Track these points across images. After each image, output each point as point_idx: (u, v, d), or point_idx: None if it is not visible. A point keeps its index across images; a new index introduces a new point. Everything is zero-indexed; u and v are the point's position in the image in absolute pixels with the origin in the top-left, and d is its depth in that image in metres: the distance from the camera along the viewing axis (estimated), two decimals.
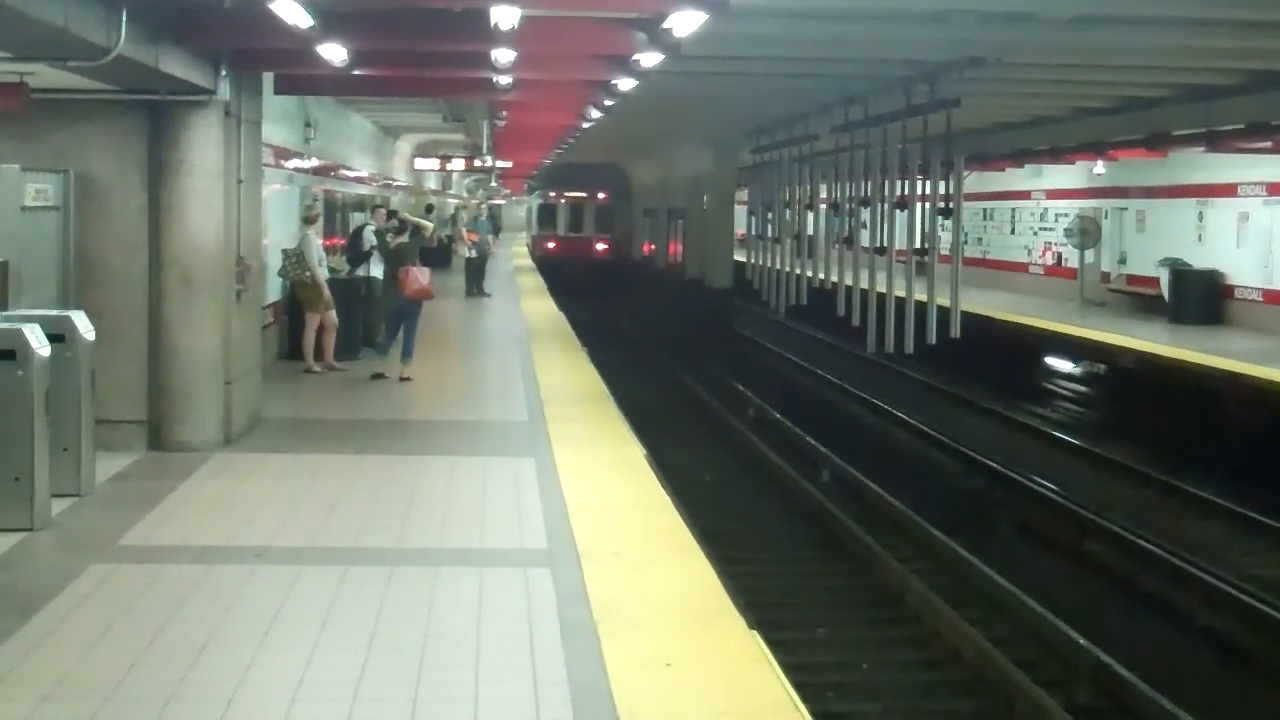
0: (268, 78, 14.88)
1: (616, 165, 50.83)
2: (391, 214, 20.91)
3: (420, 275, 17.21)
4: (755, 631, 7.38)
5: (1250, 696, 10.62)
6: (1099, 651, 10.57)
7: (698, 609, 7.80)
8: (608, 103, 19.18)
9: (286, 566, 8.57)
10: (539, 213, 53.73)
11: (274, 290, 17.89)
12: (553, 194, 51.51)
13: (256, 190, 14.01)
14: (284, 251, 17.74)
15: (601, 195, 50.85)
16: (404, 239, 17.96)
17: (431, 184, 47.49)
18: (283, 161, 18.95)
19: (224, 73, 12.23)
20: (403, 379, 16.92)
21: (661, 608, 7.80)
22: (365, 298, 19.74)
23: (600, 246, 50.47)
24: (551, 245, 50.65)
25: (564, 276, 43.30)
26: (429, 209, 39.09)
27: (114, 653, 6.95)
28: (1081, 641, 10.83)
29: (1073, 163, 26.92)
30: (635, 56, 13.29)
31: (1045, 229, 32.13)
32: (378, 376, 16.91)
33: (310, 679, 6.61)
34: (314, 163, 21.67)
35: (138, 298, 12.32)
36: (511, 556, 8.97)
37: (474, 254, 32.71)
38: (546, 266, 45.60)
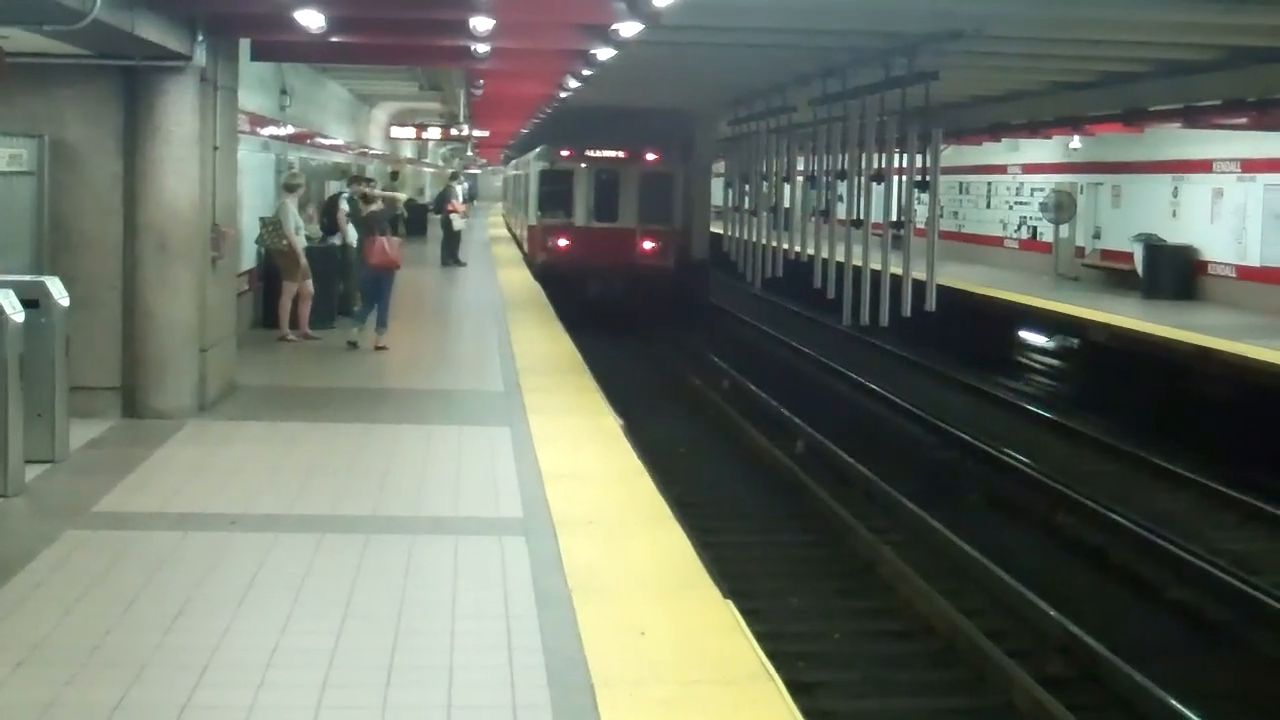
0: (244, 44, 14.80)
1: (679, 110, 31.46)
2: (367, 181, 20.86)
3: (388, 245, 17.17)
4: (729, 601, 7.42)
5: (1218, 668, 10.72)
6: (1069, 623, 10.66)
7: (672, 578, 7.84)
8: (586, 73, 19.12)
9: (262, 534, 8.57)
10: (540, 185, 31.20)
11: (249, 258, 17.83)
12: (567, 152, 30.44)
13: (232, 157, 13.96)
14: (261, 219, 17.68)
15: (652, 156, 30.31)
16: (375, 207, 17.92)
17: (408, 152, 47.32)
18: (259, 129, 18.88)
19: (200, 39, 12.17)
20: (378, 348, 16.91)
21: (636, 576, 7.83)
22: (341, 266, 19.71)
23: (649, 245, 30.19)
24: (563, 243, 30.30)
25: (585, 302, 27.71)
26: (394, 175, 38.99)
27: (89, 619, 6.95)
28: (1052, 613, 10.92)
29: (1049, 137, 26.98)
30: (614, 26, 13.27)
31: (1021, 203, 32.20)
32: (352, 345, 16.92)
33: (285, 646, 6.62)
34: (290, 130, 21.58)
35: (113, 264, 12.27)
36: (487, 525, 8.99)
37: (463, 225, 32.78)
38: (554, 282, 27.36)
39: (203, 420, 12.27)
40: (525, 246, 34.57)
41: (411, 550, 8.29)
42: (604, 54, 15.92)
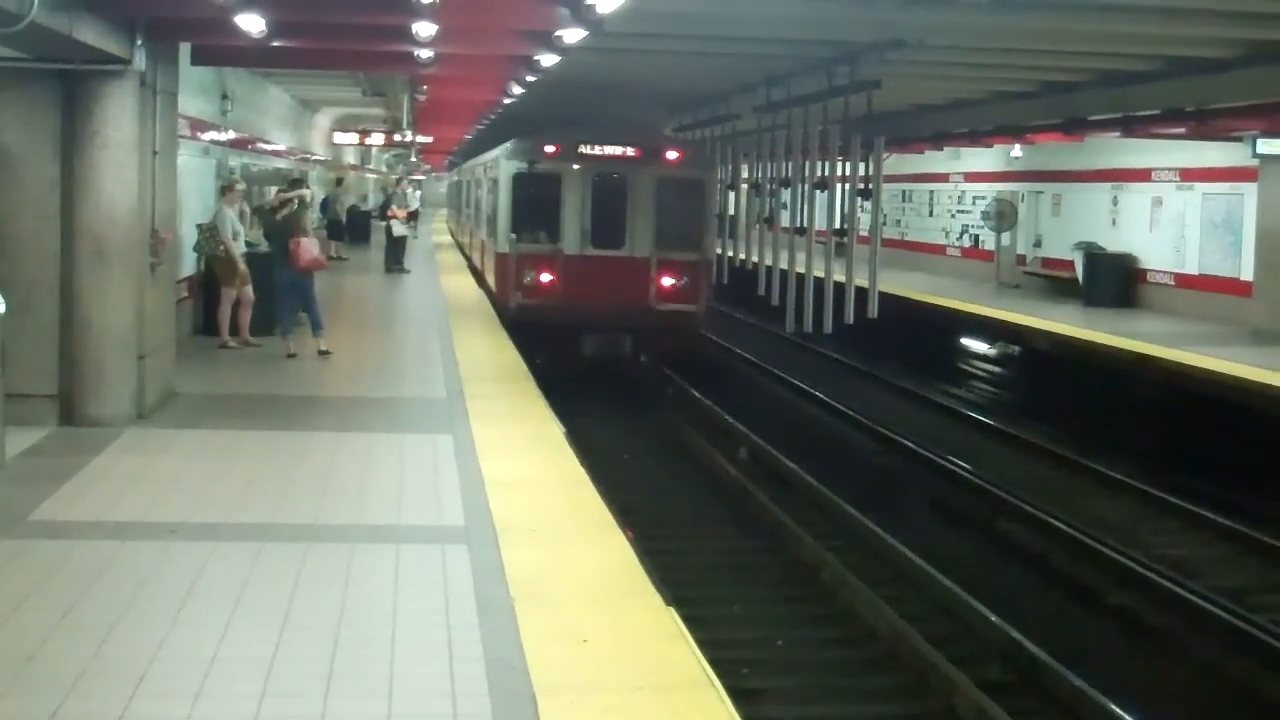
0: (184, 48, 14.69)
1: (621, 118, 25.75)
2: (292, 184, 20.72)
3: (311, 246, 17.05)
4: (671, 608, 7.42)
5: (1158, 674, 10.81)
6: (1010, 629, 10.72)
7: (615, 585, 7.82)
8: (530, 79, 19.10)
9: (201, 543, 8.49)
10: (513, 195, 22.18)
11: (189, 264, 17.68)
12: (552, 147, 22.01)
13: (172, 162, 13.84)
14: (199, 226, 17.53)
15: (674, 155, 22.28)
16: (290, 210, 17.65)
17: (350, 158, 47.12)
18: (199, 134, 18.73)
19: (140, 42, 12.06)
20: (321, 352, 16.78)
21: (578, 584, 7.81)
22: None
23: (669, 281, 21.87)
24: (547, 279, 21.80)
25: (579, 366, 21.17)
26: (339, 182, 38.84)
27: (25, 629, 6.85)
28: (993, 618, 10.98)
29: (991, 146, 27.18)
30: (558, 32, 13.27)
31: (963, 211, 32.43)
32: (292, 356, 16.70)
33: (224, 655, 6.55)
34: (231, 135, 21.43)
35: (49, 270, 12.13)
36: (429, 533, 8.94)
37: (407, 231, 32.63)
38: (534, 336, 20.20)
39: (141, 428, 12.15)
40: (492, 283, 23.79)
41: (352, 559, 8.23)
42: (547, 60, 15.90)
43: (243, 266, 17.24)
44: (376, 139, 36.51)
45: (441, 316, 22.04)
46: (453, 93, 26.28)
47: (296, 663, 6.48)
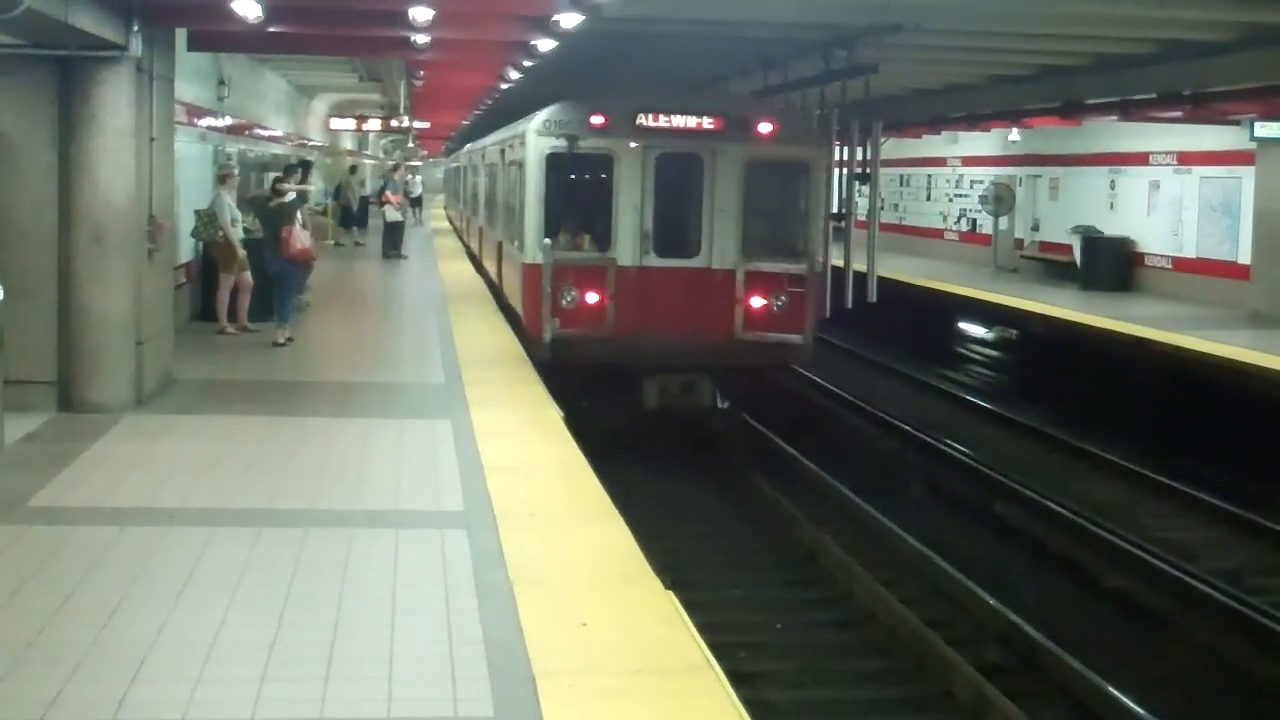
0: (181, 34, 14.67)
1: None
2: (293, 171, 20.70)
3: (302, 236, 16.91)
4: (670, 592, 7.43)
5: (1154, 655, 10.83)
6: (1008, 611, 10.75)
7: (613, 570, 7.83)
8: (527, 63, 19.06)
9: (200, 528, 8.50)
10: (546, 183, 16.32)
11: (187, 250, 17.67)
12: (601, 118, 16.12)
13: (169, 148, 13.82)
14: (196, 212, 17.52)
15: (767, 128, 16.24)
16: (285, 200, 17.57)
17: (348, 144, 47.07)
18: (196, 120, 18.71)
19: (136, 28, 12.03)
20: (276, 344, 16.39)
21: (577, 568, 7.82)
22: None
23: (760, 303, 16.11)
24: (592, 300, 15.97)
25: (639, 418, 16.28)
26: (352, 170, 38.82)
27: (24, 614, 6.86)
28: (991, 601, 11.01)
29: (989, 130, 27.16)
30: (555, 17, 13.24)
31: (960, 196, 32.42)
32: (288, 342, 16.58)
33: (223, 640, 6.56)
34: (228, 121, 21.41)
35: (47, 256, 12.12)
36: (427, 518, 8.95)
37: (401, 217, 32.58)
38: (576, 378, 15.36)
39: (140, 414, 12.15)
40: (517, 304, 17.96)
41: (351, 544, 8.24)
42: (544, 45, 15.87)
43: (241, 252, 17.23)
44: (373, 125, 36.45)
45: (439, 302, 22.01)
46: (450, 78, 26.25)
47: (296, 647, 6.49)
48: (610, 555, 8.12)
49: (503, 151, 21.25)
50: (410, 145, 59.98)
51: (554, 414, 12.46)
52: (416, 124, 38.09)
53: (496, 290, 22.08)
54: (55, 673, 6.06)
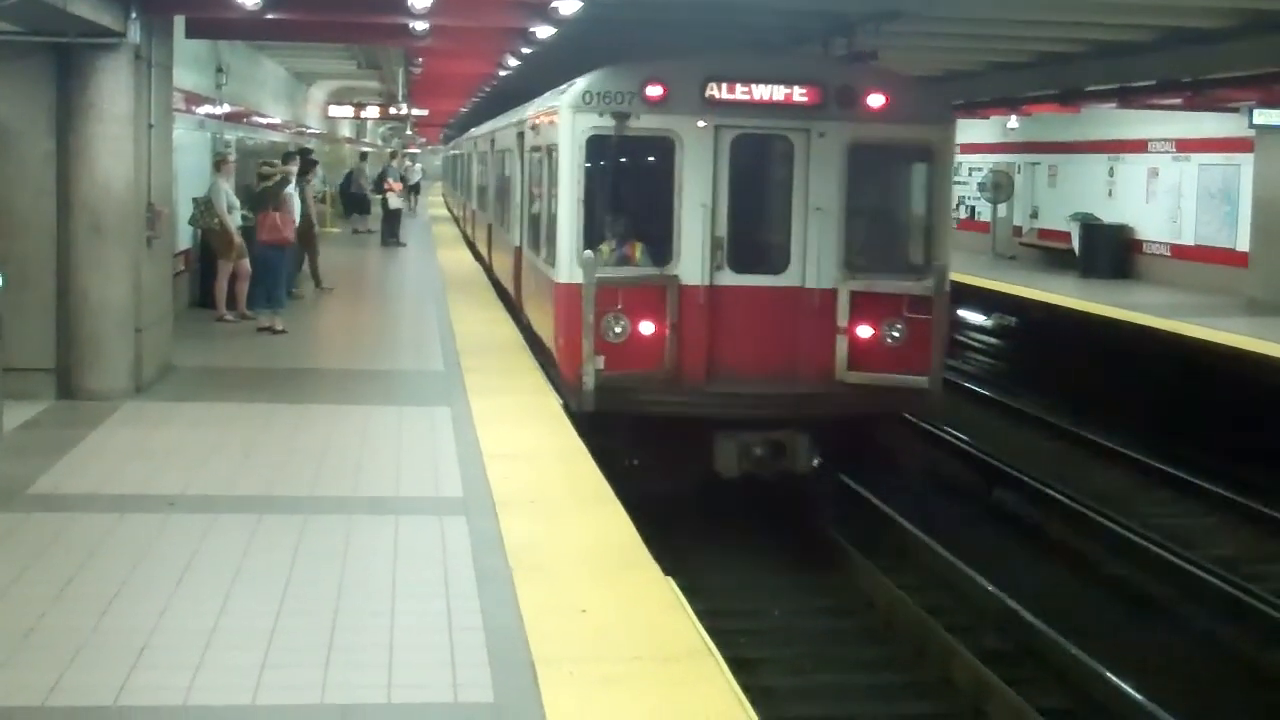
0: (179, 21, 14.64)
1: None
2: (303, 155, 20.70)
3: (279, 220, 16.79)
4: (670, 578, 7.44)
5: (1152, 642, 10.85)
6: (1006, 598, 10.77)
7: (613, 556, 7.84)
8: (525, 50, 19.05)
9: (199, 515, 8.50)
10: (583, 172, 12.53)
11: (185, 237, 17.66)
12: (659, 89, 12.34)
13: (167, 136, 13.80)
14: (194, 200, 17.51)
15: (878, 100, 12.57)
16: (269, 184, 17.46)
17: (346, 131, 47.03)
18: (194, 107, 18.69)
19: (134, 15, 12.02)
20: (261, 330, 16.38)
21: (577, 555, 7.83)
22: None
23: (867, 333, 12.49)
24: (647, 330, 12.28)
25: (711, 485, 12.49)
26: (363, 157, 38.84)
27: (24, 602, 6.86)
28: (990, 588, 11.03)
29: (987, 118, 27.15)
30: (553, 4, 13.22)
31: (959, 183, 32.39)
32: (280, 331, 16.53)
33: (224, 627, 6.57)
34: (226, 108, 21.38)
35: (46, 244, 12.11)
36: (427, 505, 8.96)
37: (401, 204, 32.57)
38: (629, 432, 12.08)
39: (139, 401, 12.15)
40: (546, 334, 14.17)
41: (351, 531, 8.24)
42: (543, 32, 15.86)
43: (238, 239, 17.21)
44: (371, 112, 36.42)
45: (438, 289, 22.01)
46: (448, 65, 26.23)
47: (296, 634, 6.49)
48: (609, 542, 8.12)
49: (521, 135, 17.14)
50: (408, 132, 59.91)
51: (553, 402, 12.45)
52: (415, 111, 38.05)
53: (513, 303, 18.34)
54: (56, 659, 6.07)
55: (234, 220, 17.29)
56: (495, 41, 19.08)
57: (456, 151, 43.43)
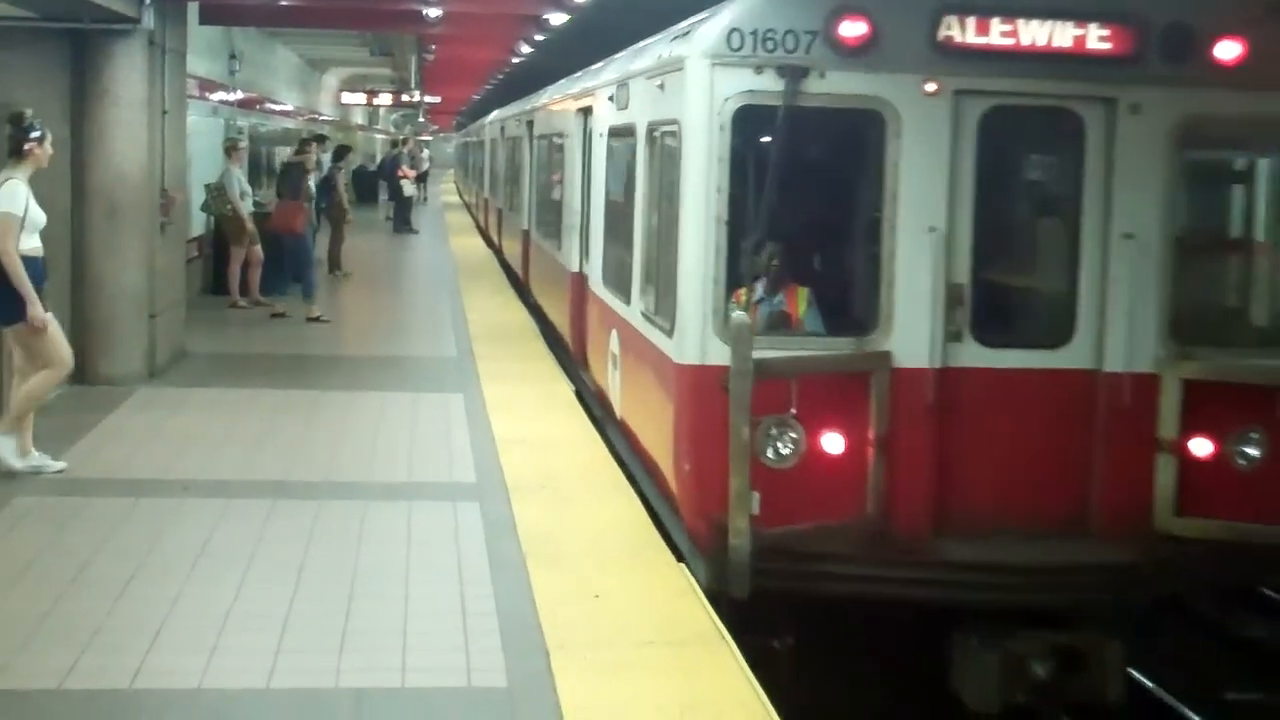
0: (193, 8, 14.67)
1: None
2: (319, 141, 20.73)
3: (284, 210, 16.87)
4: (682, 564, 7.45)
5: (1155, 633, 10.84)
6: None
7: (625, 542, 7.86)
8: (538, 37, 19.05)
9: (214, 500, 8.53)
10: (725, 175, 7.42)
11: (198, 224, 17.70)
12: (856, 24, 7.29)
13: (181, 122, 13.83)
14: (206, 186, 17.54)
15: (1234, 48, 7.50)
16: (297, 165, 17.52)
17: (358, 118, 47.06)
18: (208, 93, 18.72)
19: (148, 1, 12.04)
20: (274, 315, 16.66)
21: (590, 541, 7.85)
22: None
23: (1208, 450, 7.59)
24: (836, 448, 7.40)
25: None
26: (394, 144, 38.86)
27: (39, 585, 6.90)
28: None
29: None
30: None
31: None
32: (281, 315, 16.62)
33: (239, 610, 6.60)
34: (239, 95, 21.41)
35: (60, 230, 12.11)
36: (440, 490, 8.98)
37: (414, 191, 32.54)
38: (792, 610, 7.40)
39: (153, 387, 12.19)
40: (652, 446, 8.66)
41: (365, 516, 8.26)
42: (556, 19, 15.86)
43: (251, 226, 17.25)
44: (384, 99, 36.44)
45: (451, 276, 22.03)
46: (460, 52, 26.24)
47: (310, 618, 6.52)
48: (622, 528, 8.14)
49: (585, 112, 12.62)
50: (420, 120, 59.95)
51: (565, 389, 12.46)
52: (427, 98, 38.08)
53: (558, 337, 14.21)
54: (72, 642, 6.10)
55: (246, 206, 17.33)
56: (507, 28, 19.08)
57: (478, 139, 35.92)
